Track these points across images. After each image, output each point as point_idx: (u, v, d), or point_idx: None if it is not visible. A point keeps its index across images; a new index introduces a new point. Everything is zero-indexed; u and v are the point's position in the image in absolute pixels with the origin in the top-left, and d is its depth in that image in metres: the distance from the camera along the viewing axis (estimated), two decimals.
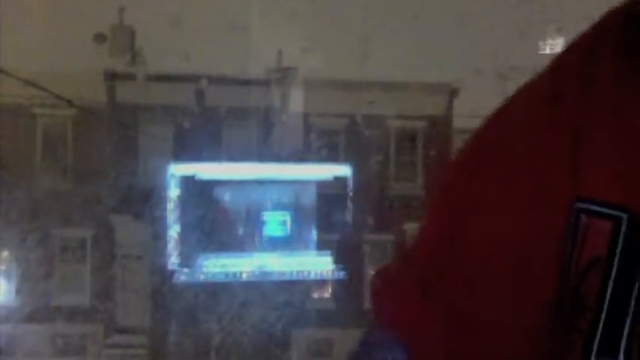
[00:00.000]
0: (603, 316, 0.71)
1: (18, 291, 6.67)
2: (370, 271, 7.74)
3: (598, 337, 0.73)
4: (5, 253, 6.78)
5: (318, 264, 6.67)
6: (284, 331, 6.81)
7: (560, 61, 0.85)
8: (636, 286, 0.70)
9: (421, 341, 0.78)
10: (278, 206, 6.50)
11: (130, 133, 6.76)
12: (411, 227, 7.73)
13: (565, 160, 0.77)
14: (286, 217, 6.49)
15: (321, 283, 6.94)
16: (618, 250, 0.72)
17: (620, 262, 0.71)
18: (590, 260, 0.74)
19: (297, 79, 6.90)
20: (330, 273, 6.71)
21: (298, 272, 6.54)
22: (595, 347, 0.72)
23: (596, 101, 0.79)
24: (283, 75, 6.76)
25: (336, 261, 6.85)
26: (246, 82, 6.82)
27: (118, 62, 6.88)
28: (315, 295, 7.01)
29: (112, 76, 6.86)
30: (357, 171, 6.84)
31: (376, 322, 0.81)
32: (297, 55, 6.89)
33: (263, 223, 6.41)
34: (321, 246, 6.65)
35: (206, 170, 6.58)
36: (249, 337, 6.70)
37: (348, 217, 6.76)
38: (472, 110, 7.48)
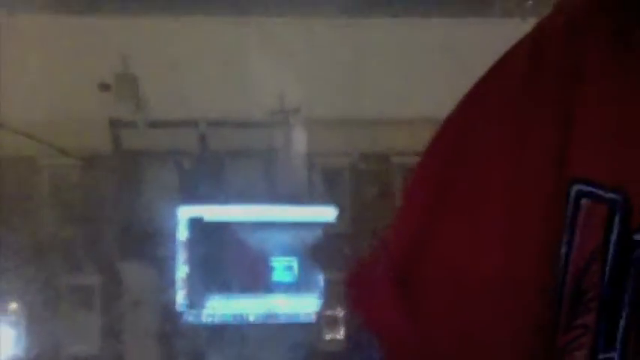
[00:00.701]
0: (604, 308, 0.66)
1: (25, 340, 6.65)
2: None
3: (603, 332, 0.70)
4: (14, 305, 6.78)
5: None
6: None
7: (543, 32, 0.80)
8: (631, 273, 0.66)
9: (397, 345, 0.77)
10: (285, 251, 6.50)
11: (135, 178, 6.81)
12: None
13: (552, 139, 0.72)
14: (293, 262, 6.50)
15: (331, 323, 6.90)
16: (613, 237, 0.67)
17: (614, 250, 0.66)
18: (593, 249, 0.71)
19: (299, 119, 6.95)
20: (340, 313, 6.68)
21: (307, 314, 6.51)
22: (601, 343, 0.69)
23: (589, 76, 0.75)
24: (286, 116, 6.82)
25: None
26: (247, 125, 6.88)
27: (123, 110, 6.96)
28: (327, 337, 6.96)
29: (116, 124, 6.93)
30: (360, 208, 6.85)
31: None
32: (299, 95, 6.95)
33: (271, 268, 6.42)
34: (330, 286, 6.62)
35: (213, 212, 6.60)
36: None
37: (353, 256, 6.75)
38: None
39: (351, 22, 6.95)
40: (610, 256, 0.72)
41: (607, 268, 0.72)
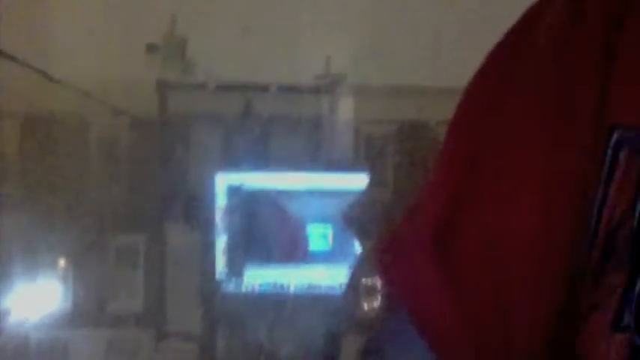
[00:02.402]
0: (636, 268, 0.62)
1: (72, 296, 6.87)
2: None
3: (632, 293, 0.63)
4: (62, 261, 6.98)
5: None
6: (333, 340, 6.81)
7: None
8: None
9: (433, 316, 0.73)
10: (320, 218, 6.49)
11: (180, 141, 6.86)
12: None
13: (594, 83, 0.67)
14: (328, 229, 6.48)
15: (371, 293, 6.91)
16: None
17: None
18: (627, 204, 0.62)
19: (347, 86, 6.87)
20: (379, 282, 6.68)
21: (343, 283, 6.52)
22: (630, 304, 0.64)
23: (629, 20, 0.68)
24: (332, 82, 6.75)
25: None
26: (295, 90, 6.84)
27: (170, 72, 6.98)
28: (366, 307, 6.97)
29: (163, 86, 6.96)
30: (405, 178, 6.77)
31: (388, 295, 0.74)
32: (347, 62, 6.86)
33: (310, 238, 6.43)
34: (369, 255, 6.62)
35: (254, 179, 6.62)
36: (299, 345, 6.73)
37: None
38: None
39: None
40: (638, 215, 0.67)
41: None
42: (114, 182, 6.94)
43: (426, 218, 0.74)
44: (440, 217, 0.74)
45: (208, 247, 6.49)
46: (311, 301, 6.42)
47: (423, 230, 0.74)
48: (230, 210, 6.39)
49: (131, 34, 6.90)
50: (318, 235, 6.46)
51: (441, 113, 7.09)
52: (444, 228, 0.73)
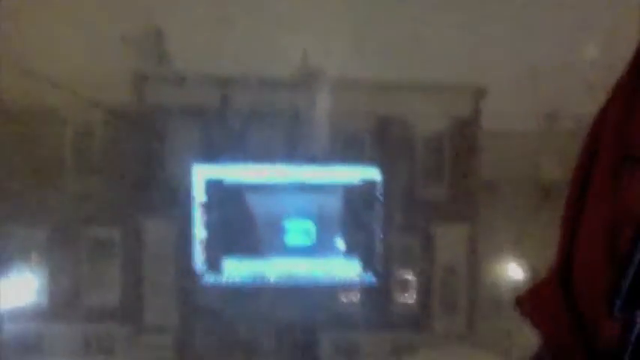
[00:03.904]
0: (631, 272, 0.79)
1: (48, 290, 6.76)
2: (399, 275, 7.74)
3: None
4: (36, 254, 6.87)
5: (345, 269, 6.66)
6: (311, 333, 6.83)
7: None
8: None
9: (556, 329, 0.90)
10: (301, 214, 6.51)
11: (157, 134, 6.82)
12: (438, 230, 7.72)
13: None
14: (309, 225, 6.51)
15: (348, 287, 6.95)
16: None
17: None
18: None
19: (323, 81, 6.90)
20: (357, 278, 6.71)
21: (325, 277, 6.55)
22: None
23: None
24: (309, 76, 6.77)
25: (364, 266, 6.83)
26: (272, 84, 6.84)
27: (146, 64, 6.93)
28: (343, 299, 7.01)
29: (140, 78, 6.92)
30: (383, 174, 6.83)
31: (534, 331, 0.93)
32: (323, 57, 6.89)
33: (285, 231, 6.44)
34: (349, 250, 6.65)
35: (231, 173, 6.61)
36: (275, 338, 6.74)
37: (377, 221, 6.75)
38: (499, 111, 7.44)
39: None
40: None
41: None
42: (89, 175, 6.86)
43: (554, 269, 0.94)
44: (560, 265, 0.93)
45: (186, 240, 6.47)
46: (290, 292, 6.44)
47: (552, 279, 0.93)
48: (209, 203, 6.38)
49: (108, 26, 6.85)
50: (301, 230, 6.46)
51: (418, 108, 7.17)
52: (562, 273, 0.92)
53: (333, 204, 6.64)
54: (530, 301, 0.93)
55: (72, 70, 6.81)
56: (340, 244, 6.49)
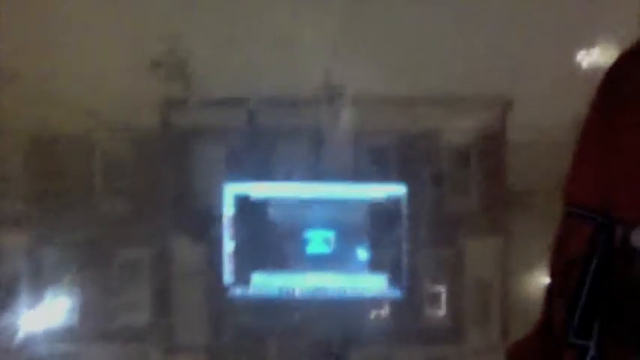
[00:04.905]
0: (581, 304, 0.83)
1: (80, 311, 6.88)
2: (429, 288, 7.72)
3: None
4: (69, 277, 6.99)
5: (372, 284, 6.68)
6: (342, 348, 6.84)
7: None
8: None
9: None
10: (326, 228, 6.56)
11: (184, 156, 6.94)
12: (465, 243, 7.71)
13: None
14: (334, 238, 6.56)
15: (376, 301, 6.95)
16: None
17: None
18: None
19: (347, 97, 6.96)
20: (385, 292, 6.72)
21: (352, 291, 6.57)
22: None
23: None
24: (332, 93, 6.84)
25: (392, 280, 6.83)
26: (296, 102, 6.92)
27: (173, 88, 7.07)
28: (372, 314, 7.01)
29: (166, 102, 7.05)
30: (409, 188, 6.85)
31: None
32: (346, 73, 6.96)
33: (311, 244, 6.49)
34: (375, 266, 6.66)
35: (259, 190, 6.69)
36: (307, 354, 6.75)
37: (403, 236, 6.75)
38: (526, 123, 7.43)
39: None
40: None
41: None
42: (119, 197, 7.00)
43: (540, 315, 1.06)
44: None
45: (216, 258, 6.54)
46: (318, 306, 6.46)
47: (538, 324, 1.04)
48: (237, 219, 6.46)
49: (134, 51, 7.01)
50: (323, 243, 6.51)
51: (444, 122, 7.19)
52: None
53: (359, 219, 6.67)
54: (518, 354, 0.98)
55: (99, 97, 6.97)
56: (366, 257, 6.51)
